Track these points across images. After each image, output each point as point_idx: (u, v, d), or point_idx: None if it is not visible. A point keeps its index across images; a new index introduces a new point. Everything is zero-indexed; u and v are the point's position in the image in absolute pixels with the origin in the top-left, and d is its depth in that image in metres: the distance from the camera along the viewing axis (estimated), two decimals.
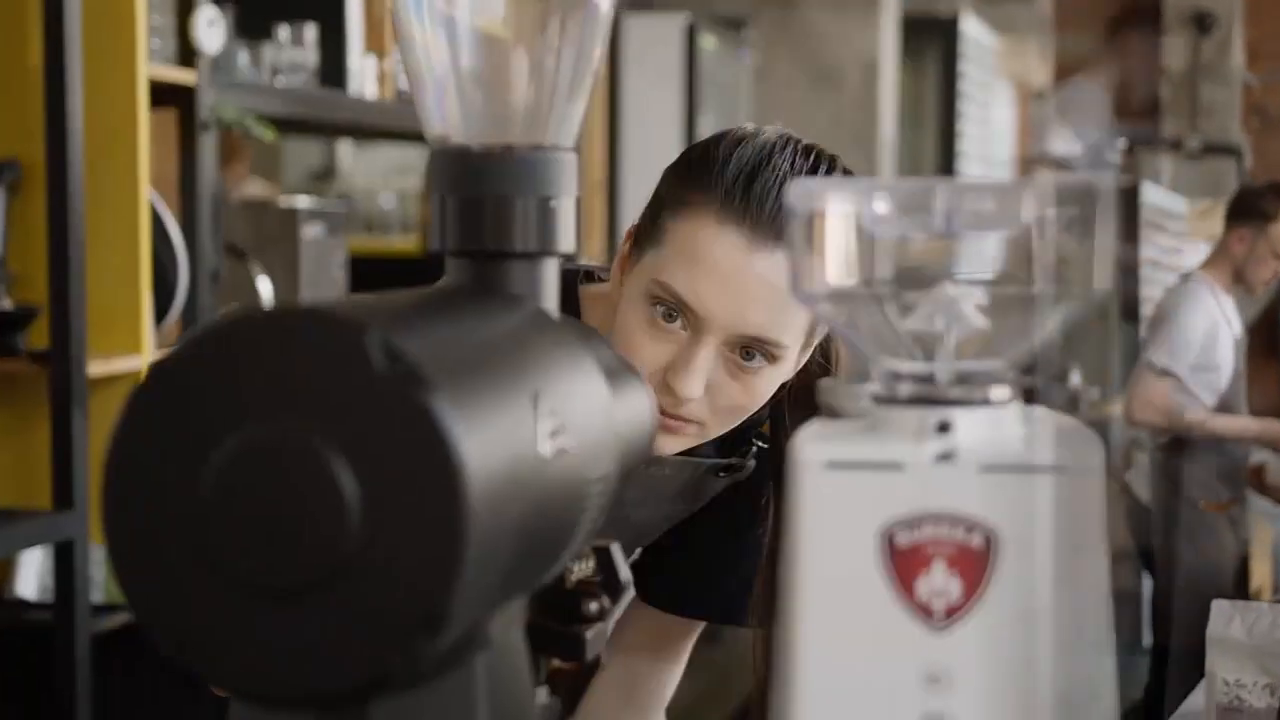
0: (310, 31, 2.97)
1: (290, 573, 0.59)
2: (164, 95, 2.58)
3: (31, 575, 2.53)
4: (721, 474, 1.40)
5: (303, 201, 3.08)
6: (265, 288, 2.85)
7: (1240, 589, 4.27)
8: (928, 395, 0.69)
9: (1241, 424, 4.38)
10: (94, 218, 2.37)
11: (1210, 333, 4.29)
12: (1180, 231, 7.23)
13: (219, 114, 2.61)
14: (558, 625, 0.84)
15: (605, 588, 0.86)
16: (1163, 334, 4.26)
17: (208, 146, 2.62)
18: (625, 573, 0.87)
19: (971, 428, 0.67)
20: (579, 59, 0.81)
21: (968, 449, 0.67)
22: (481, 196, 0.79)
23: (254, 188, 3.83)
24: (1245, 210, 4.34)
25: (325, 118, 3.09)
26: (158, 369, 0.61)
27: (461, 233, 0.79)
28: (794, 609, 0.67)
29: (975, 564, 0.66)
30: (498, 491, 0.61)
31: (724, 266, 1.21)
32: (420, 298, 0.72)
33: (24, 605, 2.54)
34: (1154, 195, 6.90)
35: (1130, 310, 6.32)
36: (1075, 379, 6.06)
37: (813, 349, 1.31)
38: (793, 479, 0.68)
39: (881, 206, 0.69)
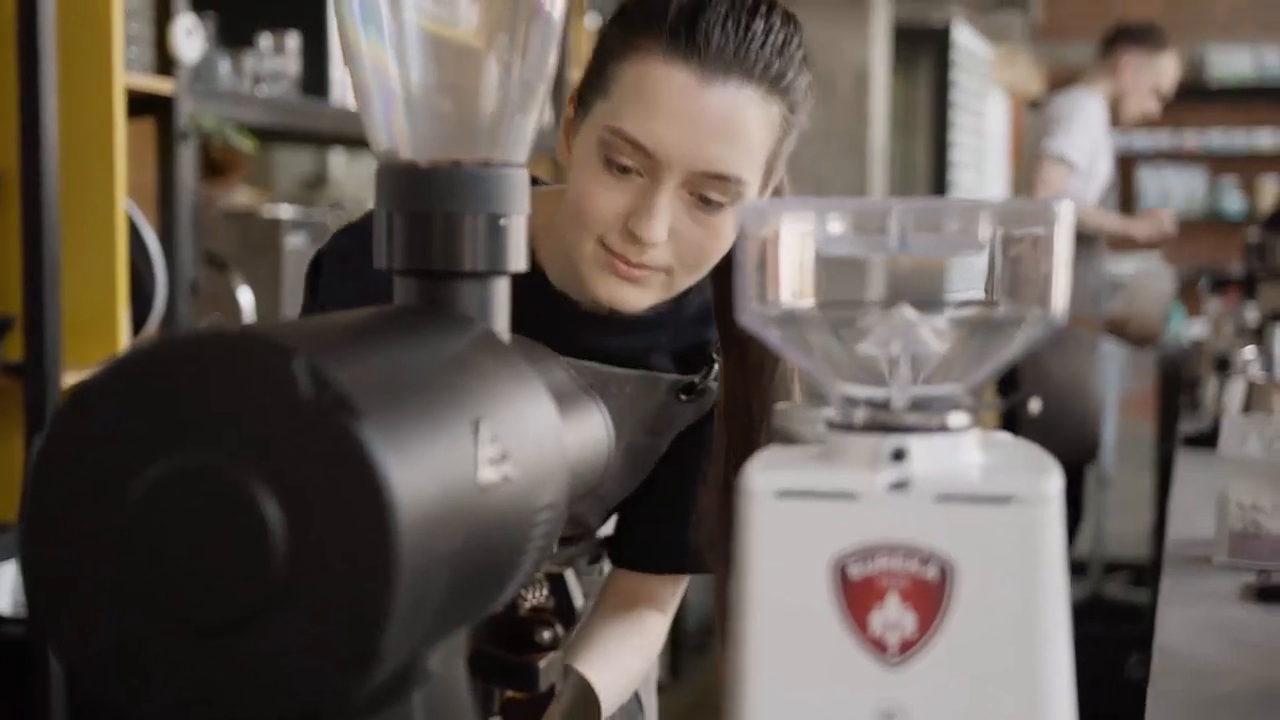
0: (292, 40, 2.95)
1: (214, 606, 0.57)
2: (142, 104, 2.55)
3: (6, 589, 2.50)
4: (684, 396, 1.39)
5: (286, 211, 3.06)
6: (246, 298, 2.82)
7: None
8: (883, 422, 0.67)
9: (1124, 222, 4.70)
10: (70, 228, 2.35)
11: (1097, 141, 4.47)
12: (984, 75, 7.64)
13: (198, 123, 2.58)
14: (510, 655, 0.82)
15: (559, 615, 0.84)
16: (1061, 127, 4.40)
17: (186, 156, 2.60)
18: (579, 599, 0.85)
19: (928, 455, 0.65)
20: (531, 71, 0.79)
21: (923, 477, 0.64)
22: (429, 213, 0.77)
23: (242, 196, 3.80)
24: (1140, 38, 4.54)
25: (307, 127, 3.06)
26: (80, 392, 0.59)
27: (409, 251, 0.77)
28: (743, 642, 0.65)
29: (930, 597, 0.64)
30: (431, 522, 0.59)
31: (676, 104, 1.19)
32: (362, 320, 0.69)
33: None
34: (963, 37, 7.14)
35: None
36: None
37: (770, 191, 1.30)
38: (742, 508, 0.66)
39: (835, 227, 0.66)
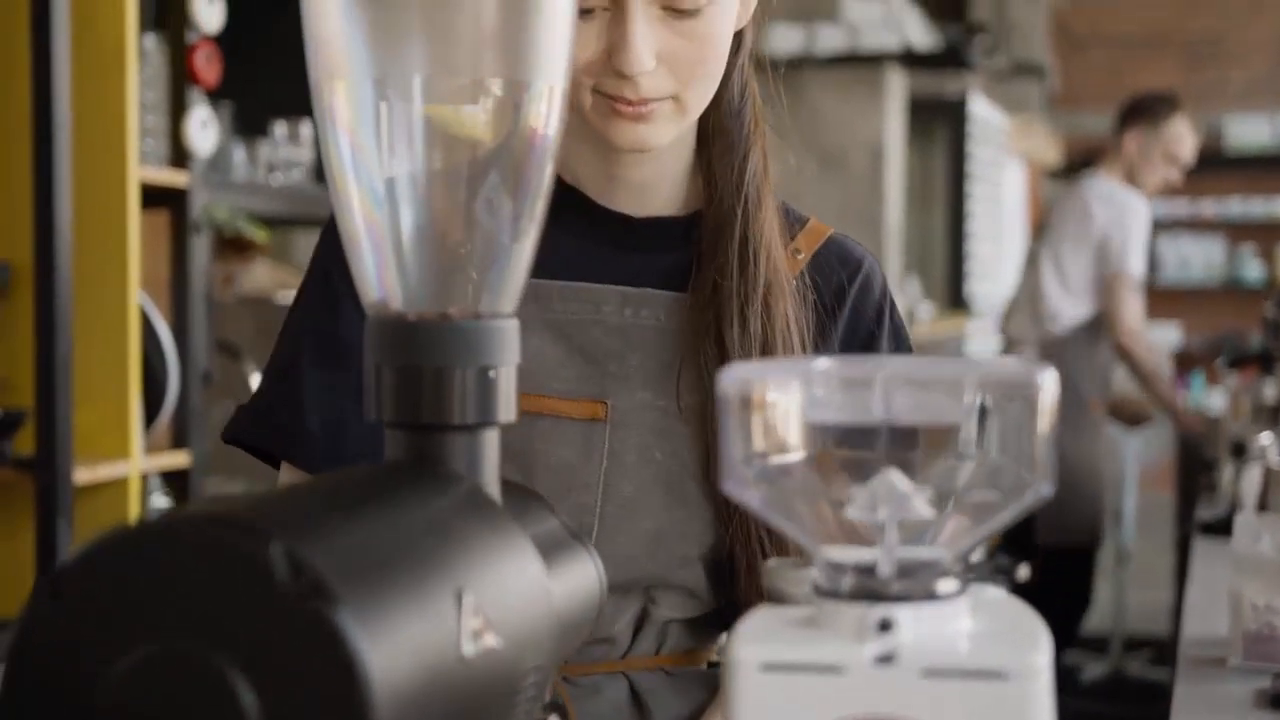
0: (306, 128, 2.97)
1: None
2: (157, 196, 2.57)
3: None
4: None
5: None
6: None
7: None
8: (869, 589, 0.66)
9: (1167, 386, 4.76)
10: (83, 321, 2.36)
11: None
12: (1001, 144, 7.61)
13: (211, 215, 2.60)
14: None
15: None
16: (1132, 242, 4.42)
17: (199, 247, 2.61)
18: None
19: (915, 625, 0.65)
20: (523, 205, 0.79)
21: (911, 649, 0.64)
22: (419, 367, 0.76)
23: (261, 271, 3.82)
24: (1141, 111, 4.56)
25: (321, 215, 3.08)
26: (56, 578, 0.58)
27: (398, 404, 0.77)
28: None
29: None
30: (412, 703, 0.59)
31: None
32: (343, 486, 0.69)
33: None
34: (979, 107, 7.13)
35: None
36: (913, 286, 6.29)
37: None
38: (728, 679, 0.65)
39: (819, 391, 0.66)
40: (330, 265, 1.25)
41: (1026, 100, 9.48)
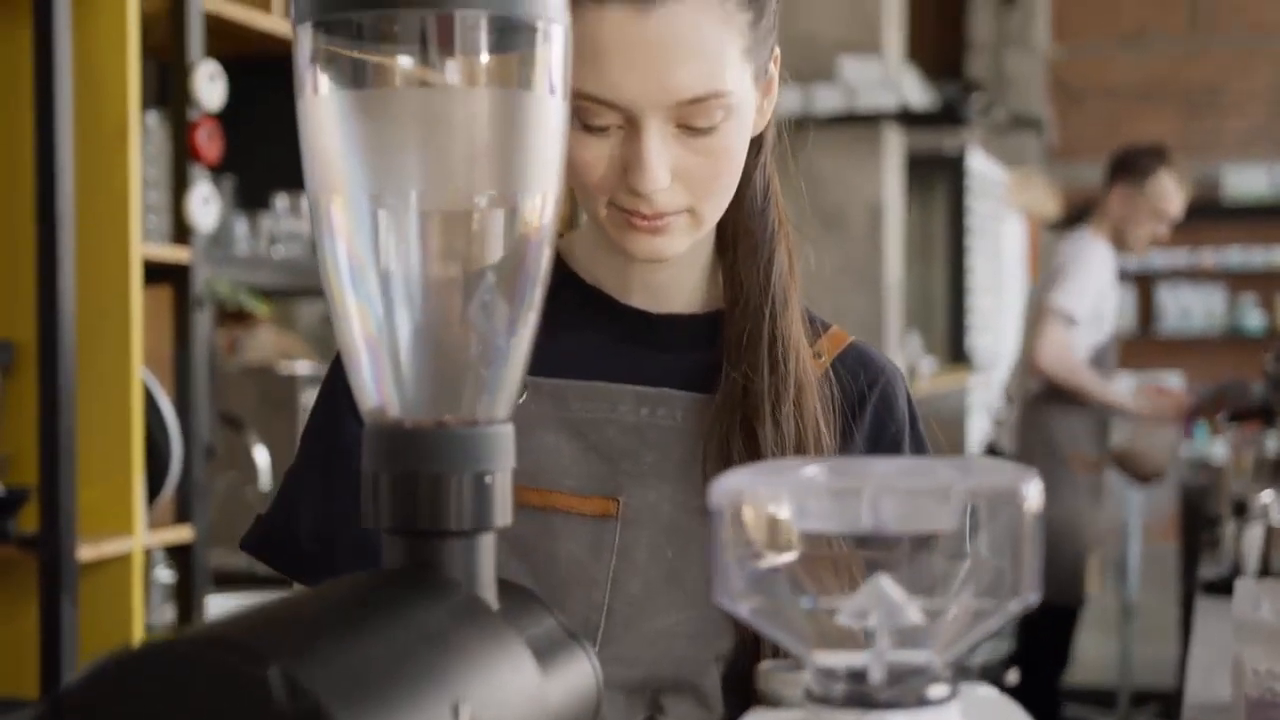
0: (307, 200, 2.99)
1: None
2: (159, 271, 2.59)
3: None
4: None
5: (303, 367, 3.08)
6: (262, 458, 2.84)
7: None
8: (861, 696, 0.67)
9: (1125, 398, 4.59)
10: (86, 399, 2.37)
11: (1101, 287, 4.46)
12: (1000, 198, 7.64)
13: (213, 289, 2.62)
14: None
15: None
16: (1063, 278, 4.39)
17: (202, 322, 2.63)
18: None
19: None
20: (513, 328, 0.80)
21: None
22: (415, 473, 0.78)
23: (265, 336, 3.84)
24: (1125, 168, 4.53)
25: (320, 285, 3.10)
26: (59, 699, 0.59)
27: (395, 510, 0.78)
28: None
29: None
30: None
31: (620, 44, 1.11)
32: (341, 597, 0.70)
33: None
34: (978, 162, 7.14)
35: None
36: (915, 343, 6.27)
37: (775, 79, 1.23)
38: None
39: (809, 500, 0.67)
40: (337, 382, 1.27)
41: (1025, 153, 9.54)
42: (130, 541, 2.44)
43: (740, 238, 1.27)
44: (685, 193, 1.16)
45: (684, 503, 1.23)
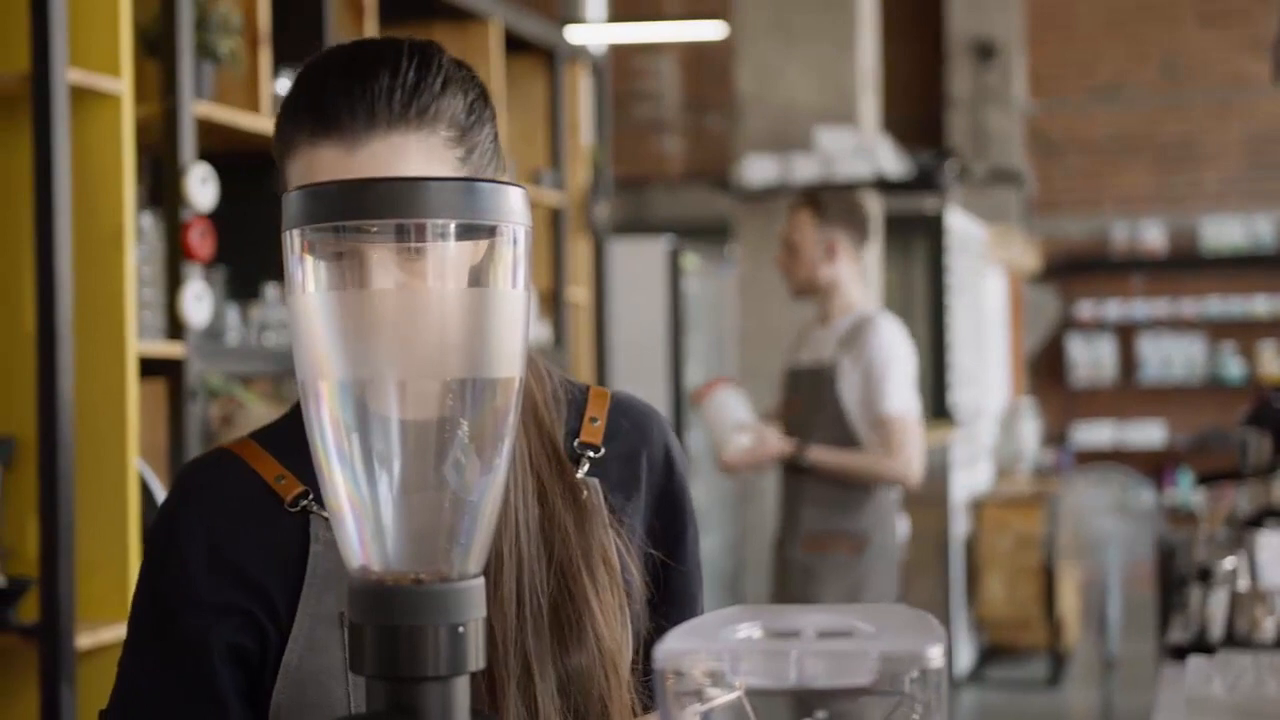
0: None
1: None
2: (154, 366, 2.68)
3: None
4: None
5: None
6: None
7: None
8: None
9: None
10: (84, 492, 2.46)
11: None
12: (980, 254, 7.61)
13: (206, 383, 2.71)
14: None
15: None
16: (895, 377, 3.92)
17: (195, 414, 2.72)
18: None
19: None
20: (483, 492, 0.90)
21: None
22: (395, 627, 0.87)
23: (258, 411, 3.91)
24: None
25: None
26: None
27: (378, 659, 0.87)
28: None
29: None
30: None
31: (330, 176, 1.16)
32: None
33: None
34: (957, 221, 7.24)
35: None
36: None
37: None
38: None
39: (741, 665, 0.76)
40: (169, 567, 1.24)
41: (1005, 207, 9.66)
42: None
43: None
44: None
45: None
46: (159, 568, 1.25)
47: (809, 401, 3.95)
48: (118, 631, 2.52)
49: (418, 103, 1.19)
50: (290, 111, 1.22)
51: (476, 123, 1.23)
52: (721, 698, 0.78)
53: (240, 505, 1.25)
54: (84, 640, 2.43)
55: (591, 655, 1.22)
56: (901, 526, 4.14)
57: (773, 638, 0.78)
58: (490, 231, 0.88)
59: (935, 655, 0.75)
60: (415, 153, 1.19)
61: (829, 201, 4.01)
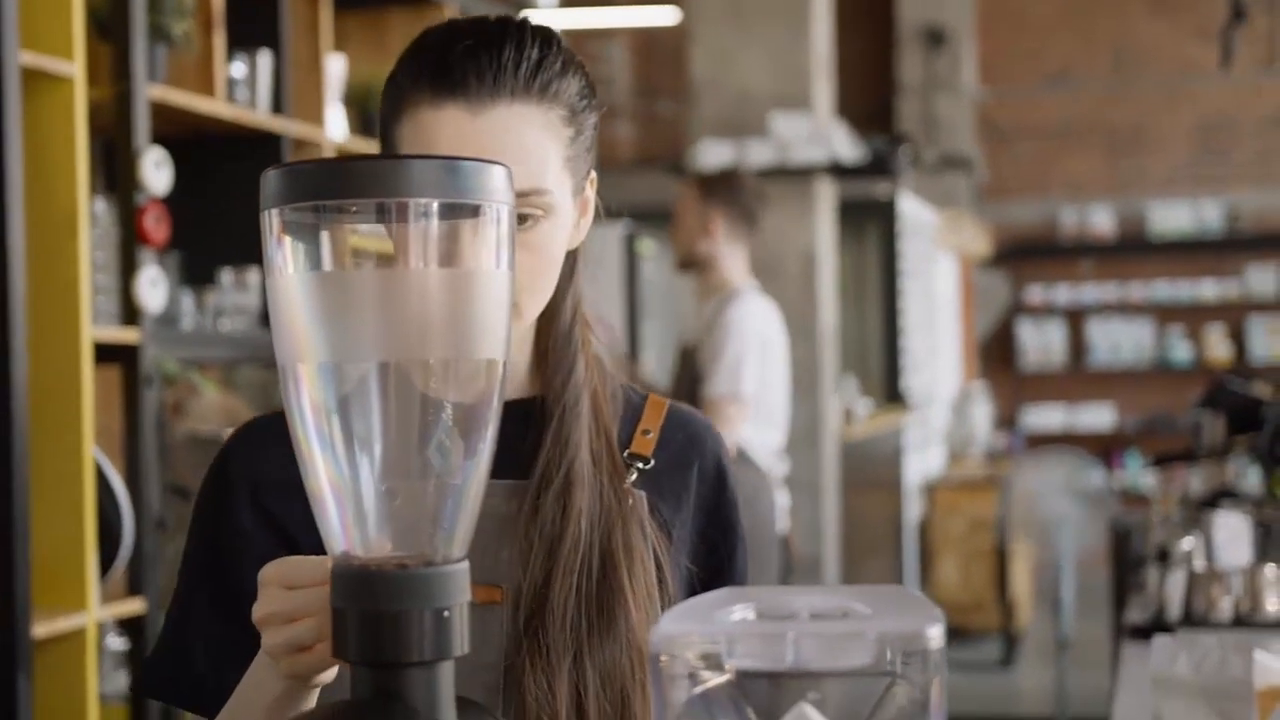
0: (253, 275, 3.06)
1: None
2: (108, 352, 2.65)
3: None
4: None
5: None
6: None
7: None
8: None
9: None
10: (38, 479, 2.42)
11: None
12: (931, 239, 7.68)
13: (161, 368, 2.68)
14: None
15: None
16: (727, 359, 3.88)
17: (150, 399, 2.69)
18: None
19: None
20: (466, 477, 0.89)
21: None
22: (380, 612, 0.86)
23: (210, 398, 3.87)
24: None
25: (266, 356, 3.16)
26: None
27: (361, 645, 0.86)
28: None
29: None
30: None
31: (452, 139, 1.19)
32: None
33: None
34: (909, 206, 7.29)
35: None
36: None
37: (591, 201, 1.30)
38: None
39: (739, 644, 0.75)
40: (208, 505, 1.29)
41: (956, 192, 9.70)
42: (84, 617, 2.49)
43: (549, 351, 1.32)
44: None
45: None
46: (210, 511, 1.29)
47: (682, 380, 4.01)
48: (75, 621, 2.49)
49: (540, 77, 1.23)
50: (411, 72, 1.23)
51: (586, 108, 1.27)
52: (715, 680, 0.77)
53: (286, 461, 1.22)
54: (40, 630, 2.40)
55: (621, 646, 1.22)
56: (780, 500, 4.03)
57: (767, 620, 0.77)
58: (474, 211, 0.86)
59: (934, 635, 0.74)
60: (537, 124, 1.22)
61: (714, 181, 4.11)
